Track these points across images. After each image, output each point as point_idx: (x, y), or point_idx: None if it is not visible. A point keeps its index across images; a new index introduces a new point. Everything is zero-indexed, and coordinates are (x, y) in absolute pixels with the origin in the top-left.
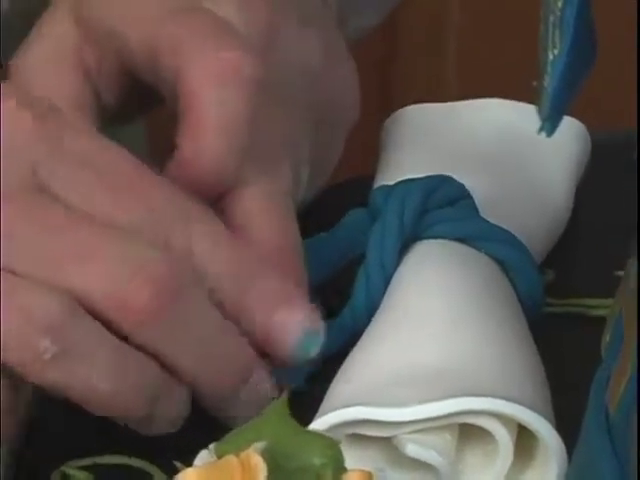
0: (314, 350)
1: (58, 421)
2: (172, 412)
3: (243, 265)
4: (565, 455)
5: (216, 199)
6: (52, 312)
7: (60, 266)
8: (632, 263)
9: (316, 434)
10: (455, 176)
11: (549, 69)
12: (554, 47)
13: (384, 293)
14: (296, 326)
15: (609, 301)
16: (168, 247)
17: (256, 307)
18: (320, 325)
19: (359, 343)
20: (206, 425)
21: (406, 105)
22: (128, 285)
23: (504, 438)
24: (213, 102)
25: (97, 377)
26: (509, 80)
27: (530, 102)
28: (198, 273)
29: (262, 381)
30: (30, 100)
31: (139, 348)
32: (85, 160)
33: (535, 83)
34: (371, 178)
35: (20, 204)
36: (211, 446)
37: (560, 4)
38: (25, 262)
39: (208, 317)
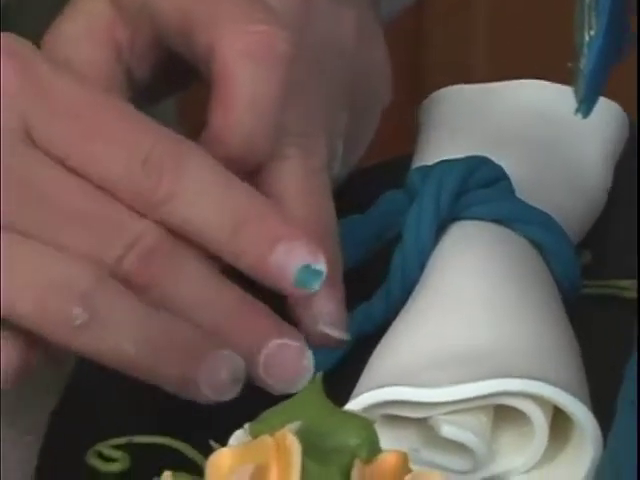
0: (316, 284)
1: (93, 400)
2: (211, 377)
3: (234, 207)
4: (600, 438)
5: (251, 174)
6: (82, 280)
7: (60, 226)
8: None
9: (351, 414)
10: (492, 157)
11: (585, 50)
12: (590, 28)
13: (420, 274)
14: (293, 260)
15: None
16: (155, 194)
17: (250, 249)
18: (321, 259)
19: (395, 324)
20: (241, 405)
21: (437, 88)
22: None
23: (539, 420)
24: (246, 79)
25: (126, 341)
26: (543, 61)
27: (565, 83)
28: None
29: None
30: (14, 49)
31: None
32: (71, 107)
33: (570, 64)
34: (407, 159)
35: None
36: (246, 426)
37: None
38: (27, 222)
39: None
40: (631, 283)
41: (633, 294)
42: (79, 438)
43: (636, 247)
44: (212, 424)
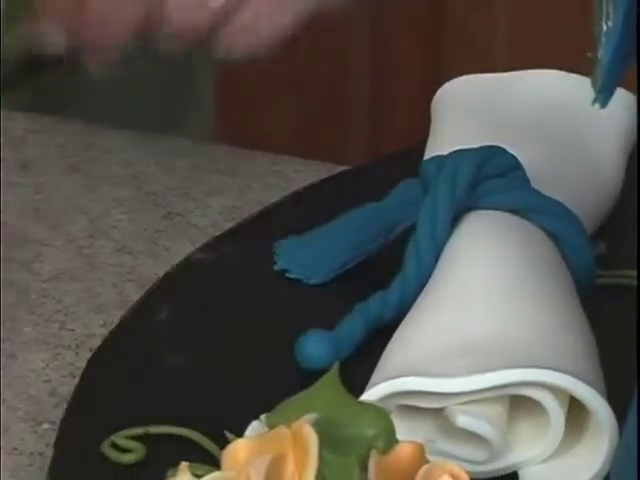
0: None
1: (109, 390)
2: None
3: None
4: (616, 428)
5: None
6: None
7: None
8: None
9: (367, 405)
10: (507, 147)
11: (603, 40)
12: (608, 19)
13: (435, 264)
14: None
15: None
16: None
17: None
18: None
19: (410, 314)
20: (258, 396)
21: (454, 77)
22: None
23: (555, 410)
24: None
25: None
26: (562, 52)
27: (584, 74)
28: None
29: None
30: None
31: None
32: None
33: (589, 54)
34: (422, 149)
35: None
36: (262, 417)
37: None
38: None
39: None
40: None
41: None
42: (95, 428)
43: (636, 245)
44: (228, 415)
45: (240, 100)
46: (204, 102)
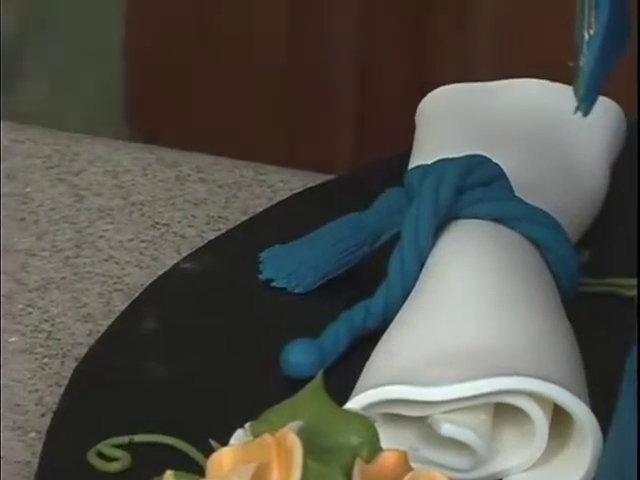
0: None
1: (95, 400)
2: None
3: None
4: (600, 435)
5: None
6: None
7: None
8: None
9: (352, 413)
10: (490, 156)
11: (585, 49)
12: (590, 27)
13: (419, 273)
14: None
15: None
16: None
17: None
18: None
19: (394, 323)
20: (242, 404)
21: (440, 85)
22: None
23: (539, 418)
24: None
25: None
26: (545, 61)
27: (564, 81)
28: None
29: None
30: None
31: None
32: None
33: (571, 63)
34: (407, 158)
35: None
36: (247, 425)
37: None
38: None
39: None
40: (629, 281)
41: (632, 292)
42: (81, 437)
43: (636, 246)
44: (213, 423)
45: (223, 107)
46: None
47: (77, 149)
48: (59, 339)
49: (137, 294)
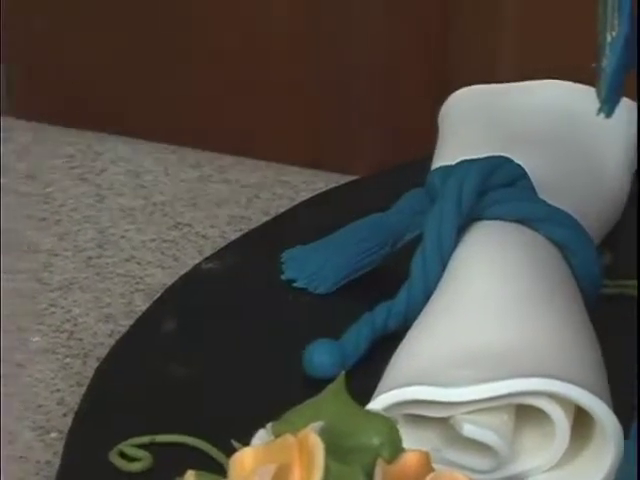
0: None
1: (116, 400)
2: None
3: None
4: (622, 436)
5: None
6: None
7: None
8: None
9: (374, 414)
10: (513, 157)
11: (607, 51)
12: (612, 29)
13: (441, 274)
14: None
15: None
16: None
17: None
18: None
19: (416, 324)
20: (264, 404)
21: (464, 85)
22: None
23: (560, 419)
24: None
25: None
26: (568, 63)
27: (586, 83)
28: None
29: None
30: None
31: None
32: None
33: (594, 65)
34: (429, 159)
35: None
36: (268, 425)
37: None
38: None
39: None
40: None
41: None
42: (102, 437)
43: (636, 247)
44: (235, 423)
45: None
46: None
47: (99, 149)
48: (81, 339)
49: (159, 294)
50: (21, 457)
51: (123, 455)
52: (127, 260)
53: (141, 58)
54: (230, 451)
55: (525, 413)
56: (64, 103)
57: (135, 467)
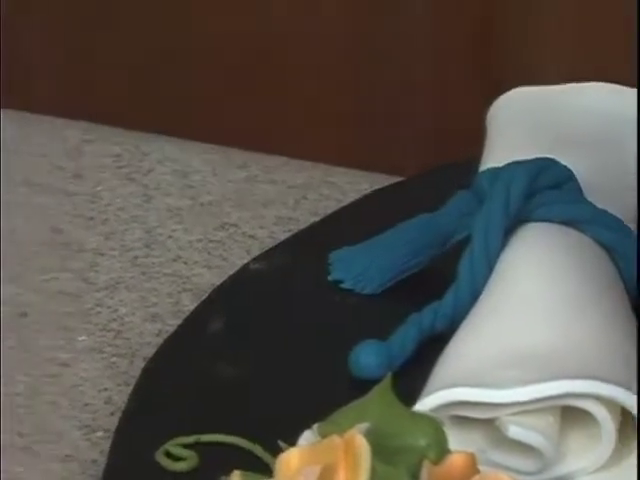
0: None
1: (163, 399)
2: None
3: None
4: None
5: None
6: None
7: None
8: None
9: (420, 415)
10: (560, 159)
11: None
12: None
13: (488, 276)
14: None
15: None
16: None
17: None
18: None
19: (463, 325)
20: (311, 405)
21: (508, 90)
22: None
23: (607, 421)
24: None
25: None
26: (614, 65)
27: (632, 83)
28: None
29: None
30: None
31: None
32: None
33: None
34: (477, 161)
35: None
36: (315, 426)
37: None
38: None
39: None
40: None
41: None
42: (148, 437)
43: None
44: (280, 424)
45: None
46: None
47: (146, 149)
48: (128, 338)
49: (206, 294)
50: (67, 456)
51: (169, 454)
52: (174, 260)
53: (189, 59)
54: (276, 451)
55: (571, 415)
56: (113, 103)
57: (180, 466)
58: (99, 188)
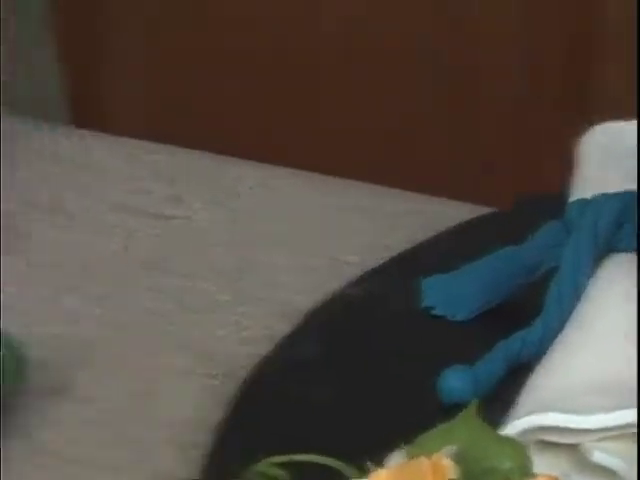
0: None
1: (256, 420)
2: None
3: None
4: None
5: None
6: None
7: None
8: None
9: (505, 438)
10: None
11: None
12: None
13: (576, 305)
14: None
15: None
16: None
17: None
18: None
19: (550, 352)
20: (399, 428)
21: (601, 120)
22: None
23: None
24: None
25: None
26: None
27: None
28: None
29: None
30: None
31: None
32: None
33: None
34: (566, 192)
35: None
36: (403, 448)
37: None
38: None
39: None
40: None
41: None
42: (239, 455)
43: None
44: (369, 446)
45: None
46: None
47: (239, 173)
48: (221, 361)
49: (299, 319)
50: (159, 472)
51: (261, 474)
52: (268, 284)
53: (289, 92)
54: (365, 472)
55: None
56: (205, 128)
57: None
58: (192, 212)
